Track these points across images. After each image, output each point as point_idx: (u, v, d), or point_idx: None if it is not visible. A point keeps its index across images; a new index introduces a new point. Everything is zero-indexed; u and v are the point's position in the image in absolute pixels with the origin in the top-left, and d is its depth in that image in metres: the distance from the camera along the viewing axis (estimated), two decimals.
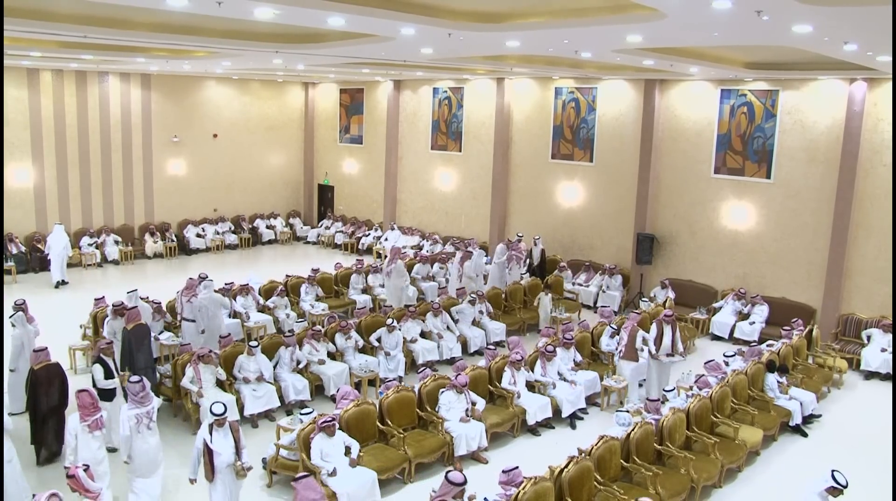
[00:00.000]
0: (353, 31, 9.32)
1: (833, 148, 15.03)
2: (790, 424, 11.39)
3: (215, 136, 24.55)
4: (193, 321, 12.97)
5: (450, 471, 7.30)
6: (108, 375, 9.86)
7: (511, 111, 20.51)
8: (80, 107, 21.54)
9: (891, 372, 13.76)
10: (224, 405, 7.92)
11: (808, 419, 11.73)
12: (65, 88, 21.18)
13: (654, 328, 12.21)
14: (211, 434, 7.75)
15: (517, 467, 7.76)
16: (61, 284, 18.94)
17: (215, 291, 13.44)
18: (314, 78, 24.53)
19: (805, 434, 11.41)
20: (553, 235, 19.83)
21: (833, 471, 7.15)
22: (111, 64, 17.25)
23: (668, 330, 11.97)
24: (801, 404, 11.52)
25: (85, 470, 7.08)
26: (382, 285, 16.89)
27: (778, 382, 11.63)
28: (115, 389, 9.86)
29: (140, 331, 10.61)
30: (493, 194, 20.90)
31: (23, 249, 20.20)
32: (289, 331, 12.38)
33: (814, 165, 15.37)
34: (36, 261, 20.17)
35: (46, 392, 9.50)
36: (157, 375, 11.45)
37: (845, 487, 7.08)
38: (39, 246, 20.40)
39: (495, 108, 20.60)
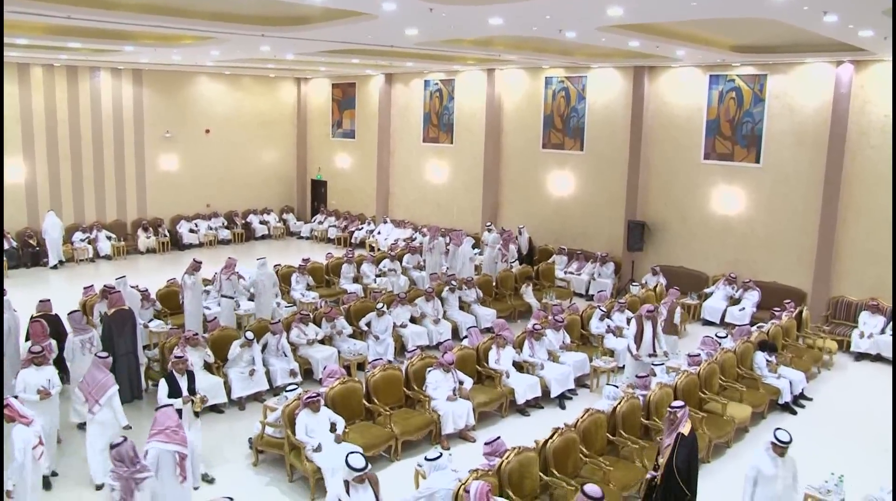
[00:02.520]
0: (336, 9, 9.33)
1: (821, 131, 15.05)
2: (779, 402, 11.38)
3: (208, 131, 24.54)
4: (232, 297, 14.15)
5: (585, 485, 6.30)
6: (174, 392, 8.46)
7: (502, 102, 20.53)
8: (72, 102, 21.54)
9: (881, 354, 13.79)
10: (363, 457, 7.06)
11: (798, 398, 11.73)
12: (56, 83, 21.17)
13: (633, 324, 11.79)
14: (348, 493, 6.91)
15: (499, 437, 7.77)
16: (60, 264, 19.85)
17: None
18: (306, 73, 24.56)
19: (794, 412, 11.40)
20: (545, 224, 19.84)
21: (776, 429, 7.21)
22: (101, 55, 17.22)
23: (648, 327, 11.49)
24: (790, 382, 11.51)
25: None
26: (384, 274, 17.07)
27: (767, 361, 11.62)
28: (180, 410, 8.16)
29: (121, 316, 10.53)
30: (485, 185, 20.92)
31: (14, 244, 20.17)
32: (275, 321, 12.32)
33: (802, 149, 15.40)
34: (28, 256, 20.12)
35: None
36: (140, 361, 11.39)
37: (787, 443, 7.12)
38: (31, 241, 20.38)
39: (486, 99, 20.63)
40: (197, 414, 8.63)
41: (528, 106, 19.97)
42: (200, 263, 13.70)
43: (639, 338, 11.50)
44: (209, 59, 17.62)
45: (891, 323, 13.94)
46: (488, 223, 19.42)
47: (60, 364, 10.17)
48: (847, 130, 14.63)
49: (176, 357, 8.95)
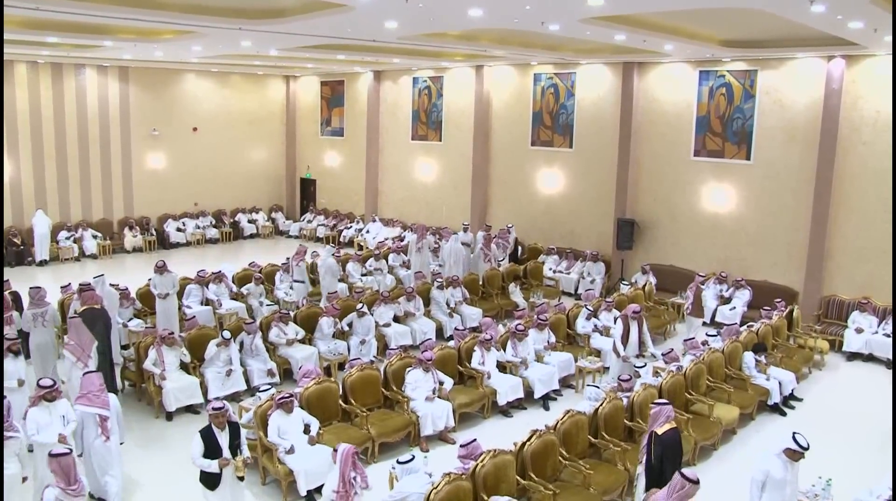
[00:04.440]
0: (312, 0, 9.09)
1: (812, 127, 14.83)
2: (769, 403, 11.15)
3: (195, 129, 24.29)
4: (303, 282, 15.58)
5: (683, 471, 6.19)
6: (211, 451, 7.13)
7: (490, 99, 20.31)
8: (57, 100, 21.29)
9: (873, 354, 13.58)
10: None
11: (788, 399, 11.51)
12: (40, 80, 20.93)
13: (619, 324, 11.55)
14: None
15: (475, 439, 7.54)
16: (45, 263, 20.09)
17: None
18: (295, 70, 24.32)
19: (784, 414, 11.18)
20: (533, 222, 19.61)
21: (794, 433, 6.85)
22: (83, 51, 16.96)
23: (634, 327, 11.31)
24: (779, 383, 11.29)
25: None
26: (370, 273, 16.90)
27: (756, 361, 11.39)
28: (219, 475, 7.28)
29: (92, 314, 10.24)
30: (474, 183, 20.69)
31: None
32: (249, 320, 12.08)
33: (793, 145, 15.17)
34: (12, 255, 19.88)
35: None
36: (116, 360, 11.19)
37: (805, 449, 6.77)
38: (16, 240, 20.13)
39: (475, 96, 20.40)
40: (241, 479, 7.31)
41: (516, 103, 19.74)
42: (164, 262, 13.69)
43: (625, 338, 11.27)
44: (192, 54, 17.37)
45: (883, 322, 13.74)
46: (465, 223, 19.22)
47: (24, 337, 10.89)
48: (839, 126, 14.40)
49: (214, 409, 7.20)
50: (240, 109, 25.41)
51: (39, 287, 11.45)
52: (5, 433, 7.35)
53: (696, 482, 6.00)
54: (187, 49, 15.71)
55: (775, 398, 11.16)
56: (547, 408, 11.13)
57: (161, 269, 13.47)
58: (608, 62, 17.49)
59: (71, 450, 6.53)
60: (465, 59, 18.44)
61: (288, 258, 16.34)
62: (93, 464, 7.86)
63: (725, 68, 15.91)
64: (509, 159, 20.10)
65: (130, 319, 13.13)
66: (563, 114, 18.74)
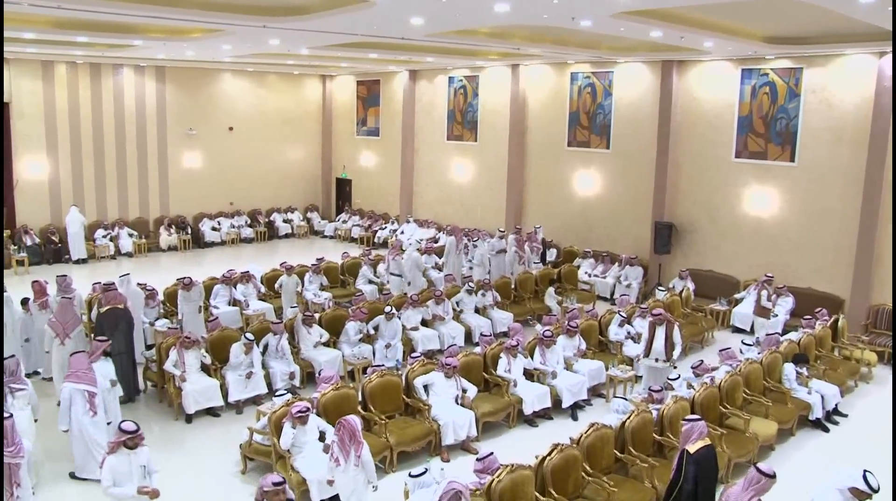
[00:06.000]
0: None
1: (861, 127, 14.13)
2: (810, 418, 10.57)
3: (231, 129, 24.36)
4: (400, 275, 15.84)
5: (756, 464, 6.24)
6: None
7: (526, 99, 19.92)
8: (95, 99, 21.52)
9: None
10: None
11: (832, 414, 10.91)
12: (79, 80, 21.18)
13: (644, 327, 11.14)
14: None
15: (492, 453, 7.20)
16: (82, 261, 20.02)
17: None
18: (330, 70, 24.24)
19: (826, 430, 10.60)
20: (569, 225, 19.17)
21: (865, 471, 6.17)
22: (117, 51, 17.04)
23: (659, 332, 10.90)
24: (822, 397, 10.70)
25: None
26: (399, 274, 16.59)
27: (797, 372, 10.81)
28: None
29: (113, 314, 10.18)
30: (509, 184, 20.32)
31: (37, 240, 20.21)
32: (276, 320, 11.88)
33: (841, 146, 14.49)
34: (50, 253, 20.14)
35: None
36: (138, 360, 11.12)
37: (875, 492, 6.11)
38: (53, 238, 20.40)
39: (510, 95, 20.03)
40: None
41: (553, 103, 19.31)
42: (191, 279, 13.18)
43: (649, 343, 10.90)
44: (223, 54, 17.35)
45: None
46: (500, 229, 18.72)
47: None
48: (890, 126, 13.66)
49: (275, 484, 5.97)
50: (276, 109, 25.42)
51: (66, 275, 11.98)
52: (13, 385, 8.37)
53: (773, 476, 6.08)
54: (217, 48, 15.66)
55: (817, 412, 10.57)
56: (575, 418, 10.73)
57: (188, 286, 12.90)
58: (646, 61, 16.98)
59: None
60: (501, 57, 18.09)
61: (319, 259, 16.18)
62: (83, 439, 8.33)
63: (769, 66, 15.28)
64: (545, 160, 19.69)
65: (157, 318, 13.07)
66: (600, 114, 18.26)
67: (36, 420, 8.70)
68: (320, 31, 11.78)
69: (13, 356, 8.89)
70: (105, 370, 9.04)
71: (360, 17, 10.17)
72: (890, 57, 13.55)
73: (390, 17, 10.25)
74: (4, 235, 19.67)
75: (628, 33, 11.68)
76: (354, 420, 7.31)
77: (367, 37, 13.01)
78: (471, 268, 17.13)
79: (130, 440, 6.77)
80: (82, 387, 8.24)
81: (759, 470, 6.10)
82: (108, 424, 8.66)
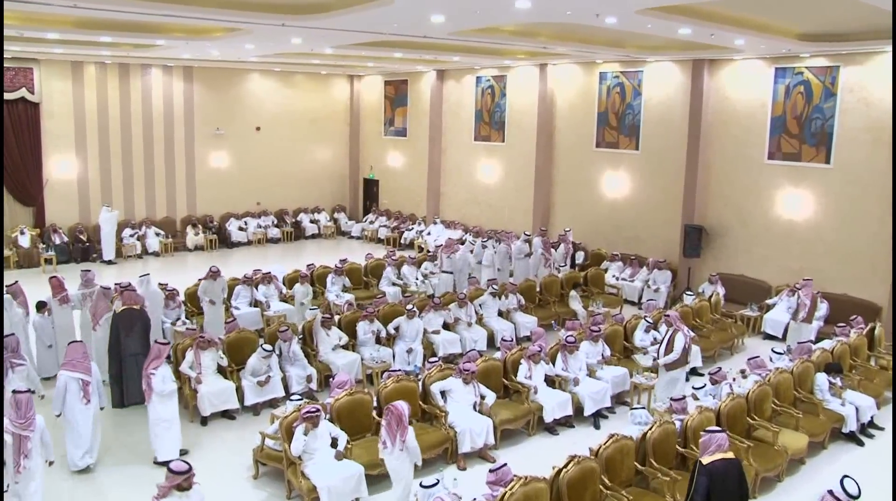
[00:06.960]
0: None
1: None
2: (843, 431, 10.15)
3: (258, 129, 24.40)
4: (451, 272, 16.50)
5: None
6: None
7: (554, 98, 19.61)
8: (123, 99, 21.68)
9: None
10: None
11: (867, 426, 10.46)
12: (108, 80, 21.35)
13: (663, 331, 10.85)
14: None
15: (505, 464, 6.94)
16: (112, 262, 20.15)
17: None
18: (357, 69, 24.14)
19: (861, 443, 10.16)
20: (597, 227, 18.83)
21: (843, 477, 6.10)
22: (143, 51, 17.08)
23: (679, 338, 10.58)
24: (856, 409, 10.24)
25: None
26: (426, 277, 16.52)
27: (830, 383, 10.38)
28: None
29: (129, 315, 10.12)
30: (536, 186, 20.03)
31: (66, 239, 20.39)
32: (283, 327, 11.69)
33: (879, 148, 13.96)
34: (78, 252, 20.31)
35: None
36: None
37: (854, 498, 6.01)
38: (82, 237, 20.58)
39: (538, 95, 19.74)
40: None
41: (581, 102, 18.98)
42: (218, 268, 13.70)
43: (669, 347, 10.55)
44: (247, 53, 17.31)
45: None
46: (526, 233, 18.44)
47: None
48: None
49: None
50: (303, 109, 25.40)
51: (89, 270, 12.62)
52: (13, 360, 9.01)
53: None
54: (241, 48, 15.61)
55: (851, 425, 10.13)
56: (598, 427, 10.43)
57: (215, 275, 13.33)
58: (677, 59, 16.58)
59: None
60: (528, 56, 17.82)
61: (343, 261, 16.06)
62: (76, 426, 8.58)
63: (804, 65, 14.80)
64: (573, 161, 19.37)
65: (178, 319, 13.03)
66: (629, 114, 17.90)
67: (42, 396, 9.28)
68: (340, 30, 11.64)
69: (13, 334, 9.62)
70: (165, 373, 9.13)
71: (379, 15, 10.00)
72: None
73: (410, 15, 10.06)
74: (34, 233, 19.94)
75: (656, 30, 11.35)
76: (402, 406, 7.47)
77: (389, 35, 12.84)
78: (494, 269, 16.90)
79: (185, 481, 6.17)
80: (77, 375, 8.55)
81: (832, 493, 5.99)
82: (102, 409, 9.11)
